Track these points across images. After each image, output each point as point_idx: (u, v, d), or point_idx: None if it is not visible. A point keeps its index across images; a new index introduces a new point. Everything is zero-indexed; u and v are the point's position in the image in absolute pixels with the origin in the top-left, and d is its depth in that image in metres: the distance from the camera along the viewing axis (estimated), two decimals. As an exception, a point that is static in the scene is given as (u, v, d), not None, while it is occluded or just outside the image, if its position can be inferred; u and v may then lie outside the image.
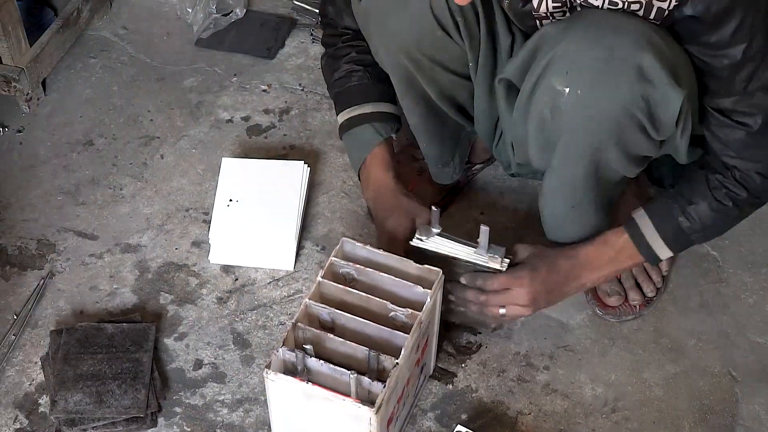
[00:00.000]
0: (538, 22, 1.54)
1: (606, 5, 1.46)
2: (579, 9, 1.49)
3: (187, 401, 1.74)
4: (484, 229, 1.65)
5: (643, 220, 1.67)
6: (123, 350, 1.75)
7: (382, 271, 1.61)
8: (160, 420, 1.71)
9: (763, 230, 1.98)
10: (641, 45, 1.42)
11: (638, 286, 1.86)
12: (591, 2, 1.45)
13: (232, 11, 2.42)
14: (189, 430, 1.70)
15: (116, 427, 1.68)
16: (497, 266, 1.68)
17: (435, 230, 1.70)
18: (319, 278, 1.59)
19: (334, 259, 1.62)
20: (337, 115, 1.87)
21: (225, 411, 1.73)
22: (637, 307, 1.85)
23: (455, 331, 1.82)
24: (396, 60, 1.70)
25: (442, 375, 1.77)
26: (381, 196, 1.83)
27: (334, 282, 1.60)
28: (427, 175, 1.98)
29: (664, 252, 1.68)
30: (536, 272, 1.67)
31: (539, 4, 1.47)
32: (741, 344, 1.82)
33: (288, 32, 2.44)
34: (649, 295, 1.86)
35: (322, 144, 2.16)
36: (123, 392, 1.69)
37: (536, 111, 1.52)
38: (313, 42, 2.41)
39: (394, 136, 1.87)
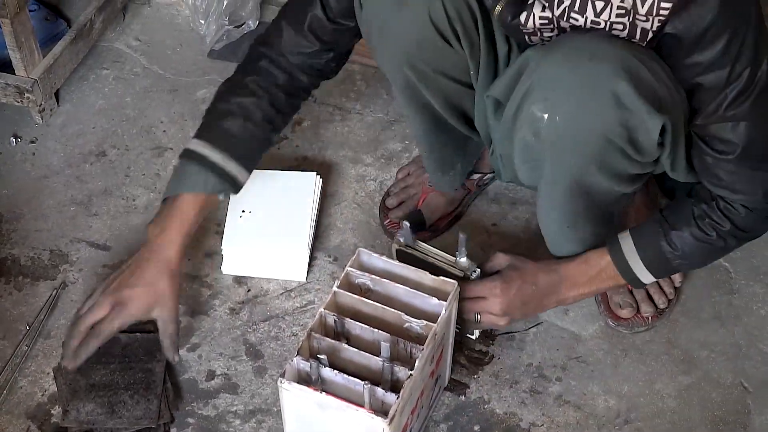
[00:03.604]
0: (527, 37, 1.52)
1: (589, 24, 1.44)
2: (565, 25, 1.47)
3: (200, 412, 1.74)
4: (462, 238, 1.67)
5: (626, 242, 1.66)
6: (136, 360, 1.75)
7: (398, 282, 1.61)
8: (173, 431, 1.71)
9: (775, 242, 1.98)
10: (617, 72, 1.40)
11: (650, 297, 1.86)
12: (575, 18, 1.43)
13: (244, 23, 2.42)
14: (202, 440, 1.71)
15: (128, 438, 1.69)
16: (460, 274, 1.68)
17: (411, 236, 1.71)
18: (334, 288, 1.59)
19: (350, 269, 1.62)
20: (195, 137, 1.72)
21: (237, 422, 1.73)
22: (650, 318, 1.85)
23: (468, 342, 1.82)
24: (399, 69, 1.69)
25: (455, 386, 1.77)
26: (154, 253, 1.69)
27: (349, 292, 1.60)
28: (440, 186, 1.98)
29: (645, 276, 1.66)
30: (510, 283, 1.68)
31: (527, 19, 1.46)
32: (753, 355, 1.83)
33: (299, 44, 2.44)
34: (661, 306, 1.86)
35: (335, 155, 2.16)
36: (135, 402, 1.69)
37: (519, 135, 1.53)
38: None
39: (221, 197, 1.72)
